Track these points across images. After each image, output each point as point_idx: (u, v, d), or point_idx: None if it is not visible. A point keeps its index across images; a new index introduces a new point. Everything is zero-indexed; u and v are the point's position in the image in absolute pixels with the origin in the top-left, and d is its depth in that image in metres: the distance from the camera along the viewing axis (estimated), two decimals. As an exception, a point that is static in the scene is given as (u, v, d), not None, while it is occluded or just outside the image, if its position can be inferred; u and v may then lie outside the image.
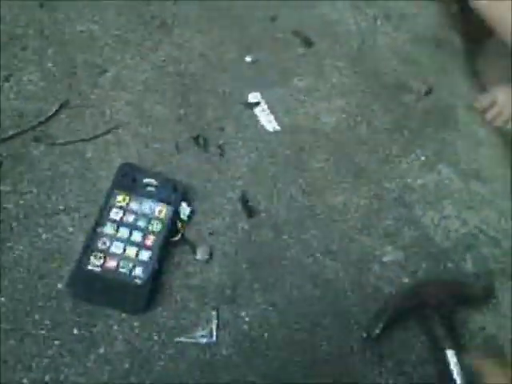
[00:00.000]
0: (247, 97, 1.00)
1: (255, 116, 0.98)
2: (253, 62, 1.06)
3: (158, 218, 0.79)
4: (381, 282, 0.85)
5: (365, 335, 0.78)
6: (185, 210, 0.82)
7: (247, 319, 0.77)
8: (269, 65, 1.06)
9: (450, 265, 0.89)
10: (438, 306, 0.81)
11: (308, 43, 1.13)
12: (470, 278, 0.89)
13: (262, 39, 1.10)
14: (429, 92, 1.13)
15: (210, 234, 0.82)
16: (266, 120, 0.98)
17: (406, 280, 0.86)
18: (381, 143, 1.01)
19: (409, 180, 0.98)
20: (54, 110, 0.86)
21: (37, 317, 0.69)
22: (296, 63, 1.09)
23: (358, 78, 1.10)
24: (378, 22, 1.23)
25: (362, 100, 1.07)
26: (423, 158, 1.01)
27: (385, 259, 0.87)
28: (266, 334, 0.76)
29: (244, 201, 0.87)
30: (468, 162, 1.04)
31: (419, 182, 0.98)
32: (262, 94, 1.01)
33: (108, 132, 0.87)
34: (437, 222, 0.94)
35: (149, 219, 0.78)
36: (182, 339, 0.73)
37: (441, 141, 1.05)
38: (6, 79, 0.89)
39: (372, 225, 0.90)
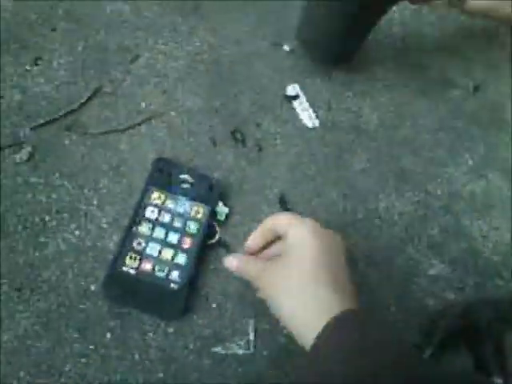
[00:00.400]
0: (285, 89, 1.01)
1: (294, 110, 0.99)
2: (291, 50, 1.06)
3: (194, 219, 0.80)
4: (426, 296, 0.86)
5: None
6: (222, 210, 0.83)
7: (285, 331, 0.78)
8: (309, 55, 1.07)
9: (499, 282, 0.90)
10: (487, 327, 0.82)
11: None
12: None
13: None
14: (477, 89, 1.14)
15: (248, 235, 0.84)
16: (306, 115, 0.99)
17: (453, 296, 0.87)
18: (426, 144, 1.02)
19: (456, 186, 0.98)
20: (86, 97, 0.87)
21: (70, 319, 0.71)
22: (338, 54, 1.09)
23: (402, 72, 1.10)
24: (423, 11, 1.24)
25: (405, 96, 1.07)
26: (471, 163, 1.02)
27: (430, 272, 0.88)
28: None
29: (283, 202, 0.88)
30: None
31: (467, 188, 0.99)
32: (300, 86, 1.02)
33: (142, 123, 0.89)
34: (485, 234, 0.94)
35: (185, 220, 0.79)
36: (219, 349, 0.74)
37: (489, 143, 1.06)
38: (35, 63, 0.90)
39: (417, 234, 0.91)
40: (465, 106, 1.10)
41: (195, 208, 0.81)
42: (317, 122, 0.99)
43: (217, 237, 0.81)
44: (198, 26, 1.03)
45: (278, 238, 0.70)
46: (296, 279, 0.61)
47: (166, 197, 0.80)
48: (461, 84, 1.13)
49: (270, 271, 0.64)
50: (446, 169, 1.00)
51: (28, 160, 0.81)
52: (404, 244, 0.90)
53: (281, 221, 0.68)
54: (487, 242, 0.94)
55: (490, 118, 1.10)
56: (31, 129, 0.83)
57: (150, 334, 0.73)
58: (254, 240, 0.71)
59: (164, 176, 0.82)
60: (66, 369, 0.68)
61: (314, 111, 0.99)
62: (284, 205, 0.88)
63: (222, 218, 0.83)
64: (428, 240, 0.91)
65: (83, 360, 0.69)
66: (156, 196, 0.80)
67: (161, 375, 0.71)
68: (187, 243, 0.78)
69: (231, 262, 0.70)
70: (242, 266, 0.69)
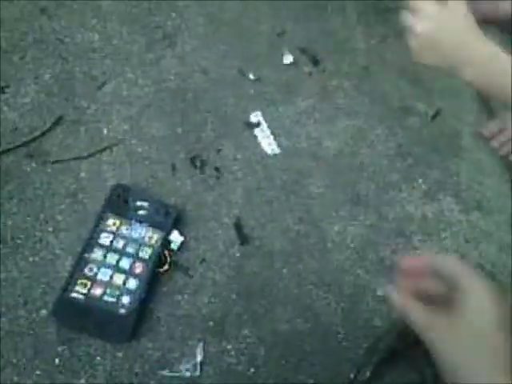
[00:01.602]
0: (248, 116, 0.99)
1: (255, 137, 0.97)
2: (256, 79, 1.05)
3: (148, 245, 0.78)
4: (373, 316, 0.84)
5: (352, 376, 0.78)
6: (177, 239, 0.81)
7: (233, 353, 0.77)
8: (272, 83, 1.05)
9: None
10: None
11: (314, 61, 1.11)
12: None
13: (267, 55, 1.09)
14: (435, 116, 1.12)
15: (202, 261, 0.82)
16: (266, 142, 0.97)
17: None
18: (382, 170, 1.00)
19: (408, 209, 0.97)
20: (49, 125, 0.86)
21: (19, 344, 0.69)
22: (301, 82, 1.07)
23: (364, 100, 1.09)
24: (389, 41, 1.22)
25: (366, 123, 1.06)
26: (424, 187, 1.00)
27: (379, 292, 0.87)
28: (251, 370, 0.76)
29: (238, 227, 0.86)
30: (470, 193, 1.02)
31: (419, 211, 0.97)
32: (263, 113, 1.00)
33: (103, 150, 0.87)
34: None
35: (139, 245, 0.78)
36: (165, 372, 0.72)
37: (444, 169, 1.04)
38: (3, 90, 0.88)
39: (367, 256, 0.90)
40: (423, 133, 1.08)
41: (149, 234, 0.79)
42: (277, 149, 0.97)
43: (167, 266, 0.79)
44: (166, 54, 1.02)
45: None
46: (485, 351, 0.54)
47: (121, 223, 0.79)
48: (420, 111, 1.11)
49: (445, 327, 0.56)
50: (400, 193, 0.99)
51: (-14, 187, 0.79)
52: (354, 266, 0.88)
53: (455, 268, 0.59)
54: (436, 263, 0.92)
55: (447, 144, 1.09)
56: (-7, 156, 0.81)
57: (98, 358, 0.71)
58: (412, 261, 0.61)
59: (121, 202, 0.81)
60: (12, 394, 0.66)
61: (275, 138, 0.98)
62: (239, 230, 0.86)
63: (176, 246, 0.82)
64: (378, 262, 0.90)
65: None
66: (111, 222, 0.78)
67: (106, 399, 0.69)
68: (139, 268, 0.77)
69: (396, 297, 0.59)
70: (408, 309, 0.59)
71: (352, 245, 0.90)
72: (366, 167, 1.00)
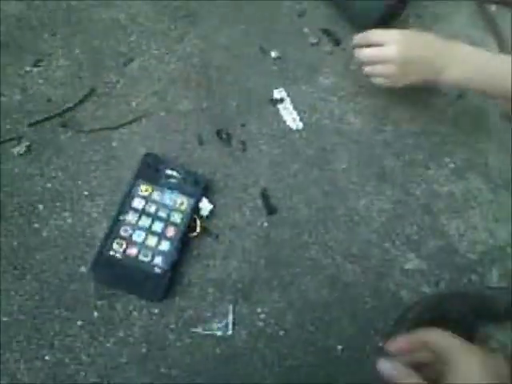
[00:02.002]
0: (271, 93, 1.09)
1: (279, 113, 1.07)
2: (278, 57, 1.15)
3: (178, 210, 0.89)
4: (401, 289, 0.93)
5: (381, 344, 0.86)
6: (206, 206, 0.92)
7: (263, 316, 0.86)
8: (294, 61, 1.15)
9: (473, 277, 0.97)
10: (458, 319, 0.87)
11: (335, 41, 1.22)
12: (495, 292, 0.95)
13: (288, 34, 1.19)
14: (460, 96, 1.21)
15: (231, 228, 0.93)
16: (290, 118, 1.08)
17: (427, 290, 0.94)
18: (407, 147, 1.09)
19: (435, 187, 1.05)
20: (82, 96, 0.98)
21: (61, 297, 0.80)
22: (322, 61, 1.17)
23: (387, 79, 1.19)
24: (410, 21, 1.32)
25: (389, 102, 1.14)
26: (452, 166, 1.09)
27: (406, 267, 0.96)
28: (281, 333, 0.86)
29: (265, 197, 0.97)
30: (498, 172, 1.10)
31: (446, 189, 1.05)
32: (286, 90, 1.11)
33: (133, 121, 0.98)
34: (462, 233, 1.01)
35: (170, 210, 0.88)
36: (199, 330, 0.83)
37: (471, 148, 1.12)
38: (36, 64, 1.00)
39: (395, 231, 0.99)
40: (448, 112, 1.17)
41: (179, 200, 0.90)
42: (300, 125, 1.07)
43: (197, 230, 0.90)
44: (189, 32, 1.13)
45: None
46: None
47: (153, 189, 0.90)
48: (445, 91, 1.20)
49: None
50: (427, 171, 1.07)
51: (26, 153, 0.91)
52: (381, 240, 0.97)
53: (443, 343, 0.68)
54: (463, 240, 1.01)
55: (473, 123, 1.17)
56: (29, 125, 0.93)
57: (135, 314, 0.81)
58: (400, 344, 0.71)
59: (152, 170, 0.91)
60: (56, 343, 0.77)
61: (299, 114, 1.08)
62: (266, 200, 0.97)
63: (206, 213, 0.92)
64: (405, 236, 0.99)
65: (71, 334, 0.78)
66: (143, 188, 0.89)
67: (144, 351, 0.79)
68: (171, 232, 0.87)
69: (389, 369, 0.67)
70: (403, 379, 0.66)
71: (379, 219, 0.99)
72: (390, 144, 1.08)
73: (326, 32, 1.21)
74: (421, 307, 0.90)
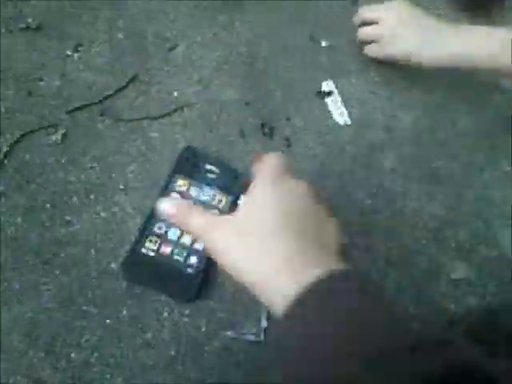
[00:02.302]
0: (319, 85, 1.04)
1: (326, 106, 1.02)
2: (329, 47, 1.09)
3: (216, 207, 0.85)
4: (446, 299, 0.87)
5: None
6: None
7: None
8: (345, 52, 1.09)
9: (523, 290, 0.91)
10: (507, 335, 0.83)
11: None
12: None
13: (340, 23, 1.13)
14: (522, 93, 1.14)
15: (268, 228, 0.88)
16: (338, 112, 1.02)
17: (474, 301, 0.88)
18: (463, 148, 1.02)
19: (490, 192, 0.99)
20: (123, 84, 0.94)
21: (89, 294, 0.77)
22: (376, 53, 1.11)
23: (443, 73, 1.11)
24: (474, 13, 1.24)
25: (446, 98, 1.08)
26: (508, 169, 1.02)
27: (453, 276, 0.90)
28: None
29: (308, 197, 0.92)
30: None
31: (501, 194, 0.99)
32: (335, 82, 1.05)
33: (174, 111, 0.94)
34: (516, 242, 0.95)
35: (207, 207, 0.84)
36: (230, 334, 0.79)
37: None
38: (76, 49, 0.97)
39: (444, 237, 0.92)
40: (507, 112, 1.09)
41: (218, 197, 0.85)
42: (348, 120, 1.01)
43: None
44: (236, 19, 1.08)
45: None
46: (259, 232, 0.53)
47: (190, 184, 0.86)
48: (507, 88, 1.13)
49: (223, 227, 0.55)
50: (482, 174, 1.01)
51: (61, 142, 0.88)
52: (429, 246, 0.91)
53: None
54: (517, 250, 0.95)
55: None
56: (67, 112, 0.90)
57: (165, 314, 0.78)
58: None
59: (190, 164, 0.87)
60: (83, 340, 0.74)
61: (347, 109, 1.02)
62: (308, 200, 0.92)
63: (244, 210, 0.88)
64: (455, 244, 0.92)
65: (99, 333, 0.75)
66: (181, 183, 0.85)
67: (172, 353, 0.76)
68: (207, 230, 0.83)
69: (164, 208, 0.59)
70: (181, 217, 0.58)
71: (428, 224, 0.93)
72: (444, 144, 1.02)
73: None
74: (468, 322, 0.85)
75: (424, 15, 1.01)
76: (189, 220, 0.56)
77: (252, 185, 0.58)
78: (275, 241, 0.52)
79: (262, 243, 0.52)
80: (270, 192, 0.56)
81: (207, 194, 0.85)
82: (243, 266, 0.53)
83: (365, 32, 1.06)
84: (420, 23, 1.00)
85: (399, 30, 1.01)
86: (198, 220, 0.56)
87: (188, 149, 0.89)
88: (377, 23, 1.03)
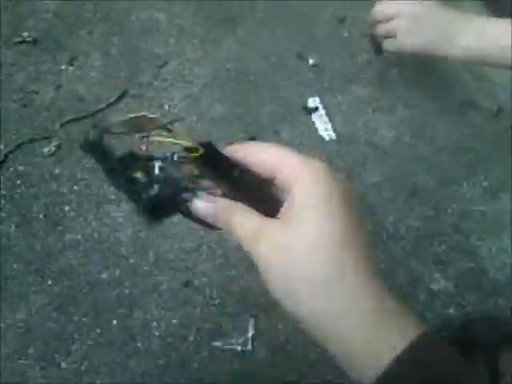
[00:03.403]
0: (306, 101, 1.04)
1: (312, 122, 1.02)
2: (315, 65, 1.10)
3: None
4: (425, 311, 0.87)
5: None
6: None
7: (284, 332, 0.81)
8: (331, 69, 1.10)
9: (501, 301, 0.91)
10: (484, 344, 0.83)
11: (376, 50, 1.16)
12: (522, 317, 0.89)
13: (327, 41, 1.14)
14: (500, 112, 1.15)
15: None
16: (323, 128, 1.02)
17: (452, 311, 0.88)
18: (442, 163, 1.03)
19: (468, 205, 0.99)
20: (114, 98, 0.94)
21: (81, 303, 0.77)
22: (360, 70, 1.12)
23: (425, 91, 1.13)
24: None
25: (426, 115, 1.09)
26: (486, 184, 1.02)
27: (433, 287, 0.90)
28: (301, 351, 0.81)
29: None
30: None
31: (479, 208, 0.99)
32: (321, 99, 1.05)
33: (165, 125, 0.94)
34: (493, 255, 0.95)
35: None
36: (218, 344, 0.79)
37: (507, 167, 1.05)
38: (70, 62, 0.97)
39: (423, 249, 0.93)
40: (486, 129, 1.10)
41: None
42: (333, 135, 1.02)
43: None
44: (228, 36, 1.08)
45: None
46: (318, 251, 0.41)
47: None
48: (484, 106, 1.14)
49: (273, 235, 0.42)
50: (460, 188, 1.01)
51: (54, 153, 0.87)
52: (408, 258, 0.92)
53: (282, 164, 0.45)
54: (494, 262, 0.94)
55: (510, 142, 1.11)
56: (61, 125, 0.90)
57: (154, 324, 0.78)
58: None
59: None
60: (73, 348, 0.73)
61: (332, 125, 1.03)
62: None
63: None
64: (433, 256, 0.93)
65: (89, 342, 0.74)
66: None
67: (161, 363, 0.75)
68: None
69: (201, 207, 0.45)
70: (224, 217, 0.45)
71: (407, 236, 0.94)
72: (424, 160, 1.02)
73: (365, 39, 1.15)
74: (447, 332, 0.85)
75: (440, 8, 0.99)
76: (231, 222, 0.44)
77: (296, 183, 0.44)
78: (345, 270, 0.41)
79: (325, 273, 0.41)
80: (327, 194, 0.43)
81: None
82: (301, 309, 0.42)
83: (383, 27, 1.02)
84: (435, 16, 0.98)
85: (415, 24, 0.98)
86: (243, 224, 0.44)
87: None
88: (391, 19, 1.00)
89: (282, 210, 0.44)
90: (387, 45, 1.03)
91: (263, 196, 0.47)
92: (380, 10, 1.01)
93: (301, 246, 0.41)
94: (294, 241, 0.41)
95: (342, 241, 0.42)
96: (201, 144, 0.45)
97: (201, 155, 0.43)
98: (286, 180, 0.44)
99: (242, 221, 0.44)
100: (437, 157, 1.04)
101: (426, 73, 1.15)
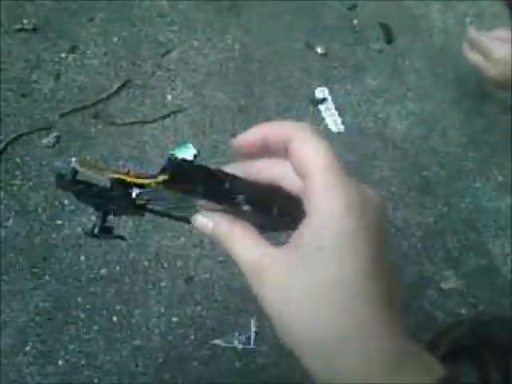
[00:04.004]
0: (313, 91, 1.03)
1: (320, 113, 1.02)
2: (324, 53, 1.09)
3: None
4: (436, 309, 0.87)
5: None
6: None
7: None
8: (340, 58, 1.08)
9: (514, 300, 0.90)
10: (498, 345, 0.81)
11: (387, 38, 1.15)
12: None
13: (336, 29, 1.12)
14: (515, 104, 1.14)
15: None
16: (331, 119, 1.01)
17: (464, 311, 0.88)
18: (454, 157, 1.02)
19: (481, 201, 0.98)
20: (116, 87, 0.93)
21: (80, 299, 0.77)
22: (371, 59, 1.10)
23: (438, 82, 1.11)
24: (467, 20, 1.24)
25: (438, 106, 1.08)
26: (500, 179, 1.01)
27: (444, 286, 0.90)
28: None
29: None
30: None
31: (493, 204, 0.98)
32: (329, 89, 1.04)
33: (167, 116, 0.94)
34: (507, 252, 0.94)
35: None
36: (219, 342, 0.78)
37: None
38: (71, 51, 0.96)
39: (434, 246, 0.92)
40: (501, 122, 1.09)
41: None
42: (342, 128, 1.01)
43: None
44: (232, 23, 1.07)
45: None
46: (332, 294, 0.34)
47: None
48: (498, 98, 1.13)
49: (280, 265, 0.35)
50: (473, 183, 1.00)
51: (54, 145, 0.87)
52: (418, 255, 0.91)
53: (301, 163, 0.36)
54: (508, 260, 0.94)
55: (526, 135, 1.10)
56: (60, 115, 0.89)
57: (154, 321, 0.77)
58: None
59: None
60: (71, 346, 0.73)
61: (340, 116, 1.02)
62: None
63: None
64: (445, 253, 0.92)
65: (87, 339, 0.74)
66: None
67: (160, 361, 0.75)
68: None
69: (206, 223, 0.40)
70: (222, 238, 0.39)
71: (417, 233, 0.93)
72: (436, 153, 1.02)
73: (384, 27, 1.14)
74: (459, 332, 0.84)
75: None
76: (232, 244, 0.39)
77: (308, 193, 0.35)
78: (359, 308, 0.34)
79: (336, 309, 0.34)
80: (354, 227, 0.34)
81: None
82: (306, 344, 0.36)
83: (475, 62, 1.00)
84: None
85: None
86: (244, 247, 0.38)
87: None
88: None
89: (294, 235, 0.35)
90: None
91: (271, 205, 0.39)
92: (478, 41, 0.98)
93: (313, 294, 0.34)
94: (305, 285, 0.34)
95: (365, 293, 0.34)
96: (168, 167, 0.36)
97: (164, 180, 0.36)
98: (303, 189, 0.35)
99: (242, 249, 0.38)
100: (449, 150, 1.03)
101: (440, 63, 1.14)
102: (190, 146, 0.90)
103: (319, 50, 1.09)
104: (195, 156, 0.89)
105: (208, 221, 0.38)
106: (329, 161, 0.36)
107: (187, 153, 0.89)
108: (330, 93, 1.04)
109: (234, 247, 0.37)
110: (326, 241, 0.33)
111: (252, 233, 0.37)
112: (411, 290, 0.88)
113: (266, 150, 0.38)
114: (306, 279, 0.34)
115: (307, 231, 0.34)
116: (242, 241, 0.37)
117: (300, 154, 0.35)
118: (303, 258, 0.34)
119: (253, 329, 0.80)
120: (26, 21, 0.98)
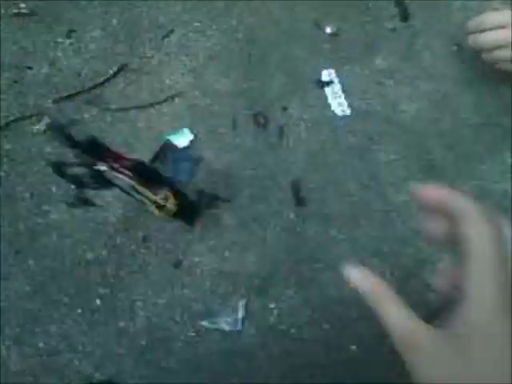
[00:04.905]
0: (319, 74, 1.00)
1: (325, 96, 0.98)
2: (333, 33, 1.04)
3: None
4: (428, 290, 0.83)
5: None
6: None
7: (276, 312, 0.80)
8: (350, 39, 1.04)
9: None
10: None
11: (403, 16, 1.09)
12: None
13: (347, 7, 1.07)
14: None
15: (254, 219, 0.85)
16: (336, 102, 0.98)
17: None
18: (464, 139, 0.97)
19: (487, 184, 0.93)
20: (112, 72, 0.92)
21: (63, 283, 0.77)
22: (383, 38, 1.05)
23: (453, 62, 1.05)
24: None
25: (452, 88, 1.02)
26: (509, 161, 0.96)
27: (440, 266, 0.86)
28: (292, 330, 0.79)
29: (295, 188, 0.89)
30: None
31: (499, 186, 0.93)
32: (337, 71, 1.00)
33: (164, 101, 0.92)
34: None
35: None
36: (205, 323, 0.77)
37: None
38: (68, 35, 0.96)
39: (432, 230, 0.88)
40: (514, 103, 1.03)
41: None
42: (347, 111, 0.97)
43: None
44: (237, 2, 1.04)
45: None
46: None
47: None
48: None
49: (440, 349, 0.36)
50: (481, 166, 0.95)
51: (45, 131, 0.87)
52: (417, 238, 0.87)
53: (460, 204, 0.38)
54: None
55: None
56: (53, 101, 0.89)
57: (139, 303, 0.77)
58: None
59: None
60: (52, 329, 0.74)
61: (347, 99, 0.98)
62: (296, 191, 0.89)
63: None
64: (445, 236, 0.88)
65: (69, 322, 0.75)
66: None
67: (143, 343, 0.75)
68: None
69: (354, 277, 0.40)
70: (375, 299, 0.39)
71: (417, 216, 0.89)
72: (445, 135, 0.97)
73: (399, 4, 1.08)
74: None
75: None
76: (384, 310, 0.39)
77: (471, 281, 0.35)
78: None
79: None
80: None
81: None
82: None
83: (491, 37, 0.92)
84: None
85: None
86: (392, 323, 0.38)
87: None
88: (502, 27, 0.90)
89: (456, 319, 0.35)
90: (499, 57, 0.93)
91: None
92: (489, 17, 0.91)
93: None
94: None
95: None
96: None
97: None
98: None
99: (396, 317, 0.38)
100: (460, 132, 0.98)
101: (457, 42, 1.07)
102: (187, 131, 0.89)
103: (328, 29, 1.04)
104: (191, 141, 0.88)
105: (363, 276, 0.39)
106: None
107: (183, 138, 0.87)
108: (338, 75, 1.00)
109: (386, 312, 0.38)
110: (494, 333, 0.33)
111: (402, 300, 0.39)
112: (406, 272, 0.85)
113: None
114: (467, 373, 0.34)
115: (468, 328, 0.35)
116: (393, 310, 0.38)
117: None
118: (468, 346, 0.34)
119: (241, 312, 0.79)
120: (22, 5, 0.98)
